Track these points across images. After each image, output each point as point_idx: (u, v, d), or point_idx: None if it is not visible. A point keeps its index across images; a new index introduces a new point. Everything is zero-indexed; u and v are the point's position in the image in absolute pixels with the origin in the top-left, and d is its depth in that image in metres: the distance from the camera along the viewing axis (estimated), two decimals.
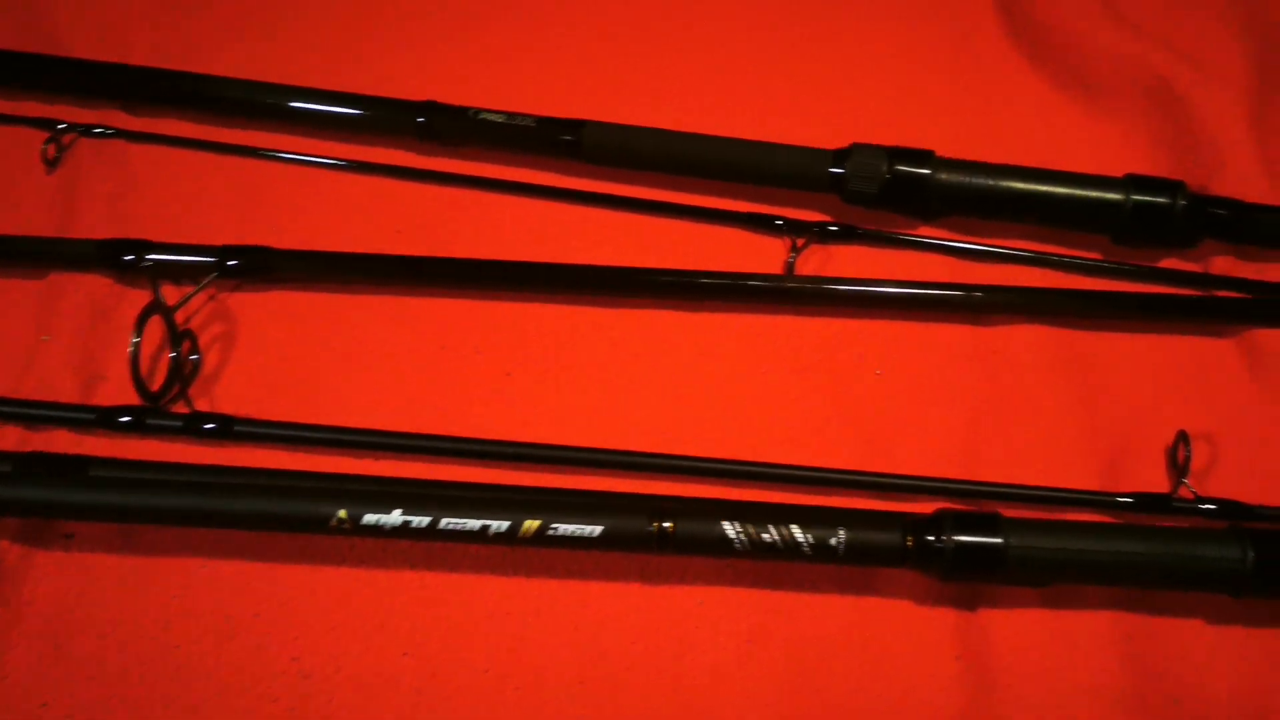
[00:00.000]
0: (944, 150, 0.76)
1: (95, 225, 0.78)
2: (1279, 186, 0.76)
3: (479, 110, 0.80)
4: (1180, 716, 0.62)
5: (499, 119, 0.79)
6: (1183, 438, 0.67)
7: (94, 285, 0.75)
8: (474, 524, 0.63)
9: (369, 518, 0.63)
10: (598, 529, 0.62)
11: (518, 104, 0.81)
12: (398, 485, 0.67)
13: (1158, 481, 0.68)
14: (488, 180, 0.80)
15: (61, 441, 0.70)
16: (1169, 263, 0.76)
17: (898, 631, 0.65)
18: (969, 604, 0.65)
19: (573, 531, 0.63)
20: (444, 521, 0.63)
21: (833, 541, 0.61)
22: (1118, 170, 0.75)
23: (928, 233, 0.78)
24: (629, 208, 0.79)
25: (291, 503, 0.63)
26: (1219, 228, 0.74)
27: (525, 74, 0.86)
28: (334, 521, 0.63)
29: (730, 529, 0.62)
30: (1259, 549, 0.60)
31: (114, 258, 0.75)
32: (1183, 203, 0.73)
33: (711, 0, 0.90)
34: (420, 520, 0.62)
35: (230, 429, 0.69)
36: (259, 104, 0.82)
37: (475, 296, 0.76)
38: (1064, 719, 0.62)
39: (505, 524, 0.62)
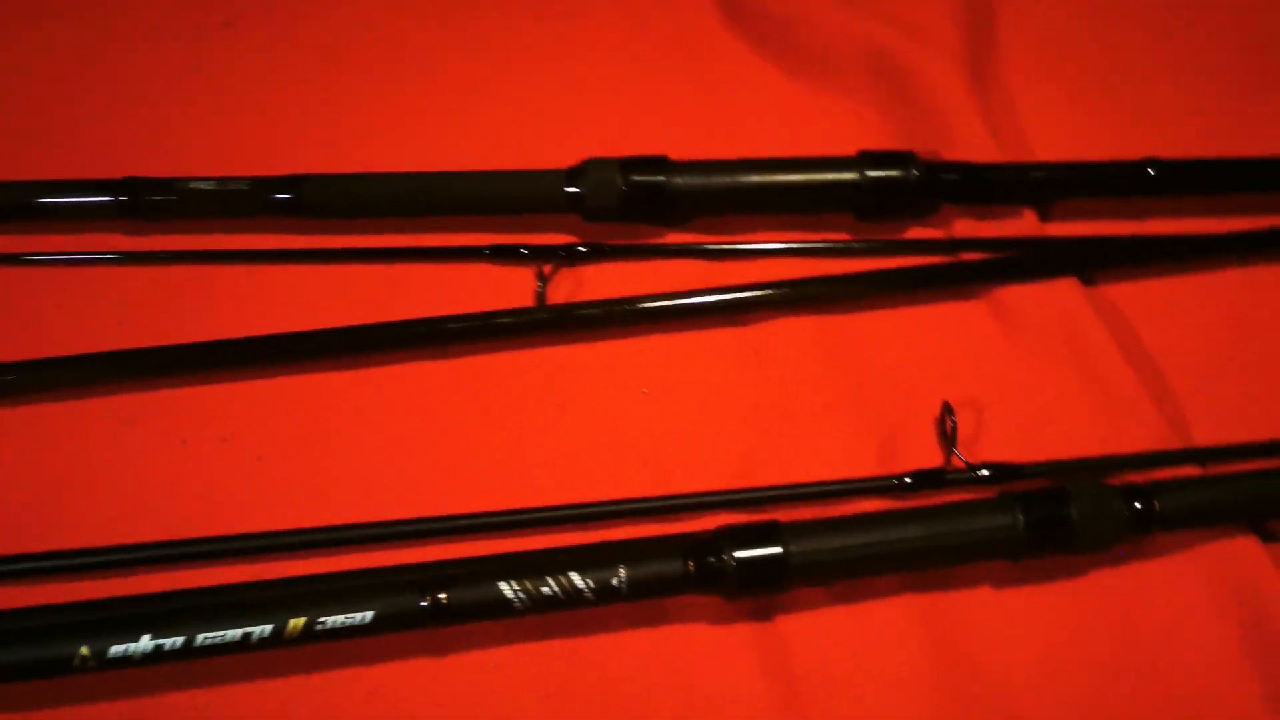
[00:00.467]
0: (684, 152, 0.75)
1: None
2: (1004, 144, 0.78)
3: (186, 180, 0.74)
4: (983, 689, 0.62)
5: (209, 186, 0.74)
6: (947, 409, 0.67)
7: None
8: (234, 634, 0.58)
9: (116, 649, 0.57)
10: (368, 614, 0.59)
11: (230, 168, 0.76)
12: (146, 604, 0.61)
13: (933, 456, 0.68)
14: (207, 253, 0.74)
15: None
16: (913, 232, 0.77)
17: (699, 657, 0.63)
18: (763, 614, 0.63)
19: (342, 622, 0.59)
20: (201, 638, 0.58)
21: (614, 582, 0.59)
22: (856, 148, 0.75)
23: (677, 239, 0.77)
24: (363, 259, 0.75)
25: (24, 648, 0.57)
26: (954, 192, 0.75)
27: (233, 137, 0.80)
28: (77, 661, 0.57)
29: (508, 589, 0.59)
30: (1028, 512, 0.60)
31: None
32: (916, 172, 0.73)
33: (421, 33, 0.86)
34: (174, 641, 0.57)
35: None
36: None
37: (213, 381, 0.71)
38: (874, 712, 0.61)
39: (268, 628, 0.58)
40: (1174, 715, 0.61)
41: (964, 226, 0.76)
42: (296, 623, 0.58)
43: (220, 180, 0.74)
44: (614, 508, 0.66)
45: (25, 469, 0.68)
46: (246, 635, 0.58)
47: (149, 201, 0.74)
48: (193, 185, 0.74)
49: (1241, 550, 0.64)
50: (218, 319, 0.73)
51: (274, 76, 0.84)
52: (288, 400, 0.70)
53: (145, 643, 0.57)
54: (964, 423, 0.68)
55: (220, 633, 0.58)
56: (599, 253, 0.75)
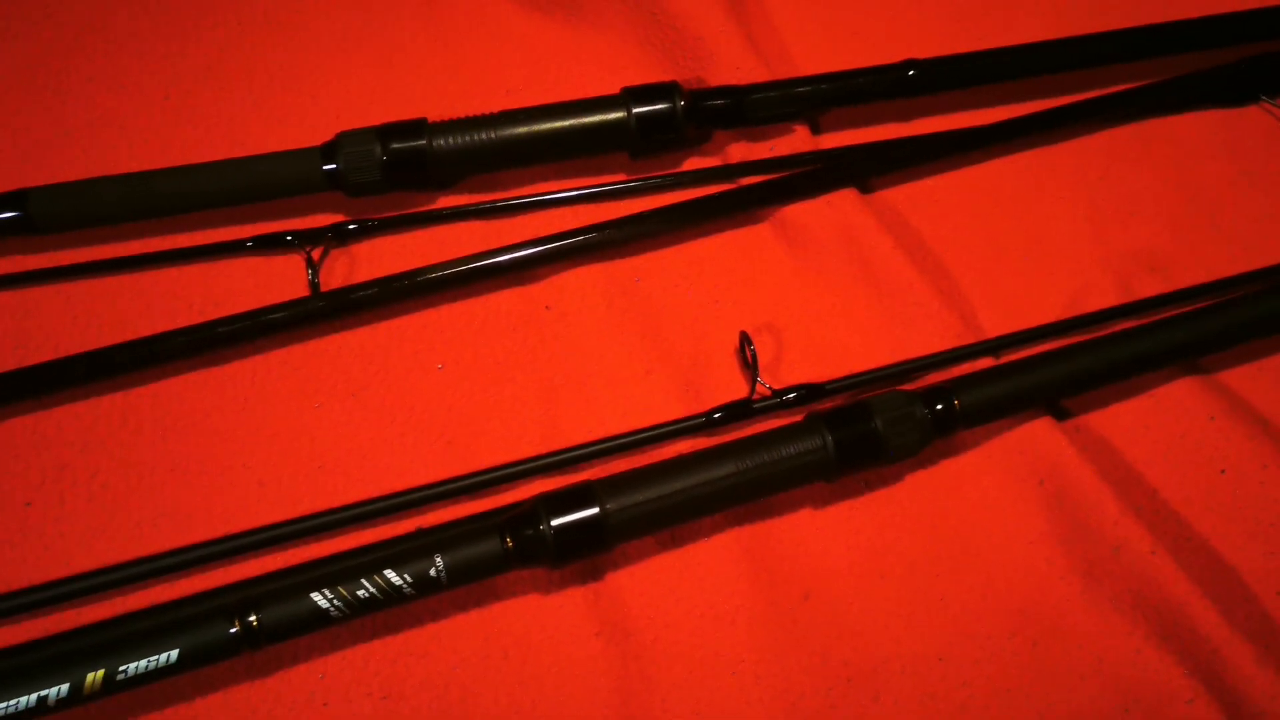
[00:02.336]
0: (448, 112, 0.71)
1: None
2: (767, 62, 0.77)
3: None
4: (814, 608, 0.62)
5: None
6: (745, 338, 0.67)
7: None
8: (27, 700, 0.53)
9: None
10: (174, 652, 0.55)
11: None
12: None
13: (739, 388, 0.68)
14: None
15: None
16: (690, 164, 0.75)
17: (533, 629, 0.61)
18: (593, 574, 0.62)
19: (147, 666, 0.54)
20: None
21: (433, 572, 0.57)
22: (618, 83, 0.73)
23: (450, 202, 0.73)
24: (109, 270, 0.69)
25: None
26: (724, 117, 0.74)
27: None
28: None
29: (321, 599, 0.56)
30: (835, 431, 0.61)
31: None
32: (682, 103, 0.71)
33: (143, 18, 0.79)
34: None
35: None
36: None
37: None
38: (710, 653, 0.61)
39: (64, 686, 0.53)
40: (994, 596, 0.63)
41: (739, 150, 0.75)
42: (95, 675, 0.54)
43: None
44: (423, 493, 0.63)
45: None
46: (42, 699, 0.53)
47: None
48: None
49: (1040, 432, 0.66)
50: None
51: None
52: (60, 436, 0.65)
53: None
54: (763, 349, 0.68)
55: (12, 701, 0.53)
56: (368, 229, 0.71)
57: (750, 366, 0.66)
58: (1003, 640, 0.61)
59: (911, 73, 0.75)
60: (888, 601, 0.63)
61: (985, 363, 0.67)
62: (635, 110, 0.71)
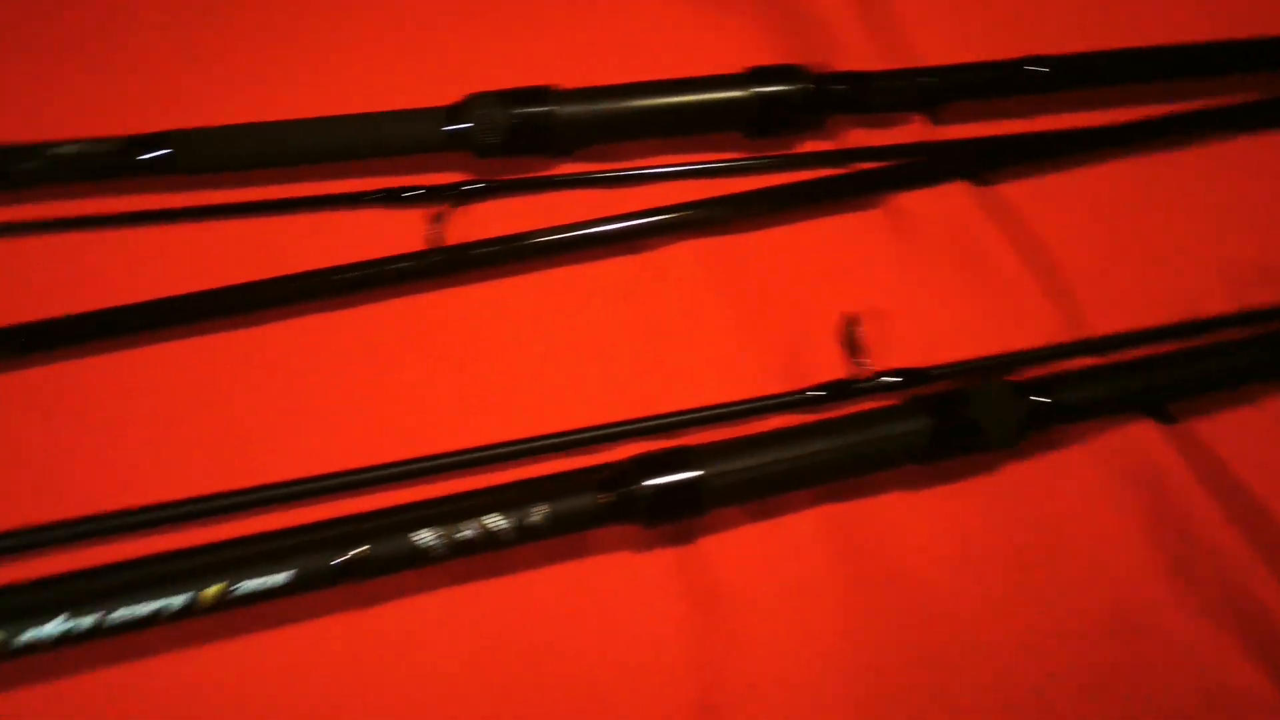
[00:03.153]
0: (572, 80, 0.73)
1: None
2: (886, 51, 0.77)
3: (50, 144, 0.70)
4: (900, 590, 0.63)
5: (73, 150, 0.70)
6: (851, 319, 0.67)
7: None
8: (146, 609, 0.56)
9: (24, 637, 0.55)
10: (284, 575, 0.57)
11: (101, 128, 0.72)
12: (51, 586, 0.59)
13: (840, 369, 0.69)
14: (77, 220, 0.71)
15: None
16: (807, 146, 0.76)
17: (621, 587, 0.63)
18: (683, 538, 0.64)
19: (259, 585, 0.57)
20: (112, 617, 0.56)
21: (532, 519, 0.59)
22: (742, 65, 0.74)
23: (570, 169, 0.75)
24: (245, 214, 0.72)
25: None
26: (843, 103, 0.75)
27: (98, 94, 0.76)
28: None
29: (425, 537, 0.58)
30: (933, 415, 0.61)
31: None
32: (805, 86, 0.72)
33: None
34: (81, 623, 0.56)
35: None
36: None
37: (97, 353, 0.68)
38: (794, 625, 0.62)
39: (181, 599, 0.56)
40: (1083, 592, 0.63)
41: (856, 137, 0.76)
42: (210, 591, 0.57)
43: (87, 142, 0.71)
44: (525, 446, 0.65)
45: None
46: (160, 609, 0.56)
47: (14, 170, 0.70)
48: (57, 150, 0.70)
49: (1141, 435, 0.65)
50: (91, 288, 0.69)
51: (134, 30, 0.80)
52: (181, 365, 0.68)
53: (54, 627, 0.55)
54: (867, 332, 0.69)
55: (132, 609, 0.56)
56: (490, 190, 0.73)
57: (853, 348, 0.67)
58: (1089, 636, 0.61)
59: (1034, 69, 0.75)
60: (974, 588, 0.63)
61: (1089, 362, 0.67)
62: (759, 90, 0.72)
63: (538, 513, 0.59)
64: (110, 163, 0.71)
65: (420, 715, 0.60)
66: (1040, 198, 0.75)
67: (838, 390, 0.66)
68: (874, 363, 0.68)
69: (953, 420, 0.61)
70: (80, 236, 0.71)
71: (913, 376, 0.67)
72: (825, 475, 0.62)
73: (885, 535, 0.64)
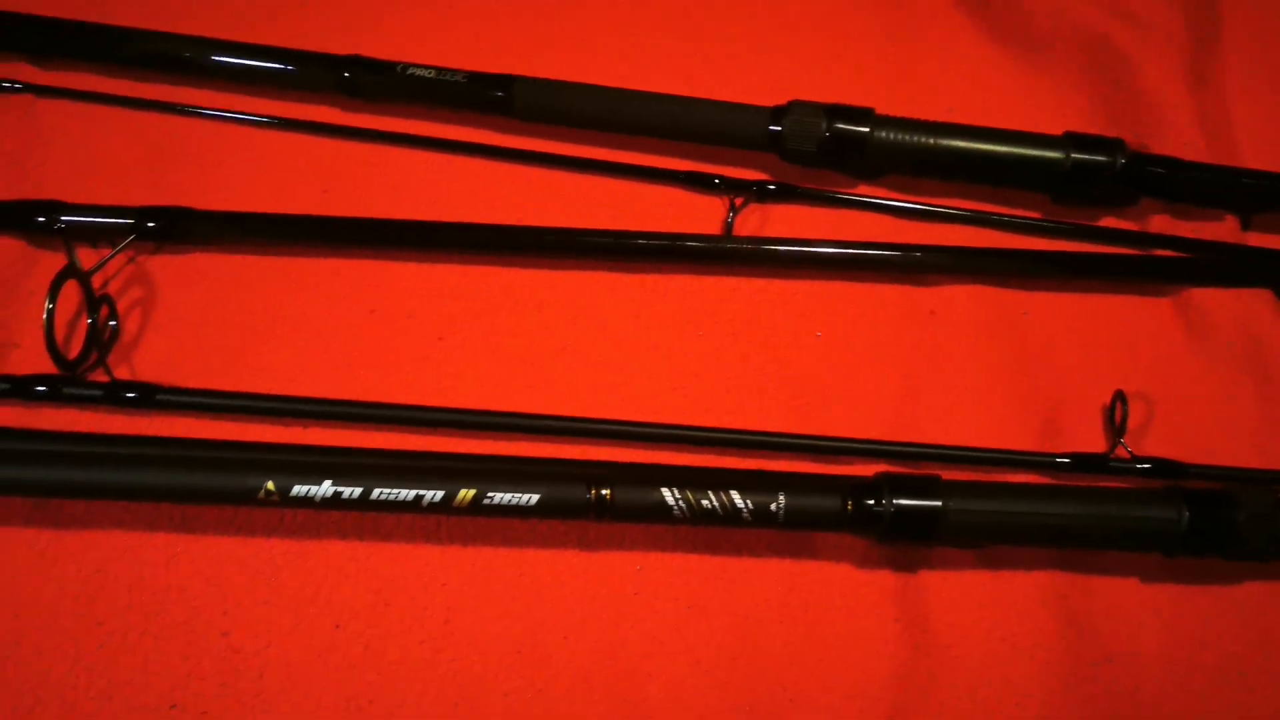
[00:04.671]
0: (881, 107, 0.75)
1: (1, 185, 0.75)
2: (1215, 146, 0.76)
3: (407, 65, 0.77)
4: (1112, 674, 0.62)
5: (428, 74, 0.76)
6: (1120, 397, 0.67)
7: (3, 248, 0.72)
8: (407, 494, 0.61)
9: (298, 489, 0.61)
10: (534, 497, 0.61)
11: (447, 59, 0.78)
12: (327, 455, 0.65)
13: (1094, 442, 0.68)
14: (416, 138, 0.77)
15: None
16: (1108, 221, 0.76)
17: (837, 595, 0.64)
18: (908, 566, 0.65)
19: (509, 500, 0.61)
20: (376, 492, 0.61)
21: (773, 507, 0.61)
22: (1055, 128, 0.74)
23: (867, 191, 0.77)
24: (563, 166, 0.76)
25: (217, 475, 0.61)
26: (1157, 186, 0.74)
27: (455, 28, 0.83)
28: (262, 494, 0.61)
29: (669, 496, 0.61)
30: (1193, 509, 0.60)
31: (24, 220, 0.71)
32: (1122, 161, 0.72)
33: None
34: (351, 491, 0.61)
35: (152, 397, 0.66)
36: (176, 57, 0.79)
37: (405, 259, 0.73)
38: (999, 679, 0.62)
39: (440, 493, 0.61)
40: None
41: (1160, 222, 0.75)
42: (466, 493, 0.61)
43: (438, 70, 0.77)
44: (772, 439, 0.67)
45: (219, 314, 0.72)
46: (419, 497, 0.61)
47: (368, 81, 0.77)
48: (412, 71, 0.76)
49: None
50: (414, 201, 0.76)
51: None
52: (472, 288, 0.73)
53: (326, 488, 0.61)
54: (1133, 415, 0.68)
55: (395, 490, 0.61)
56: (789, 193, 0.75)
57: (1116, 426, 0.67)
58: None
59: None
60: (1190, 694, 0.62)
61: None
62: (1074, 155, 0.72)
63: (781, 501, 0.61)
64: (454, 92, 0.77)
65: (622, 662, 0.63)
66: None
67: (1088, 462, 0.66)
68: (1133, 446, 0.67)
69: (1213, 519, 0.60)
70: (413, 153, 0.77)
71: (1168, 468, 0.66)
72: (1067, 540, 0.62)
73: (1109, 617, 0.64)
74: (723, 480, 0.62)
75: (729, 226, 0.74)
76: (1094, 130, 0.75)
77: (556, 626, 0.63)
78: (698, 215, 0.76)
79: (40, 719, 0.60)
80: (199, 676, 0.61)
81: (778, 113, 0.74)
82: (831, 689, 0.62)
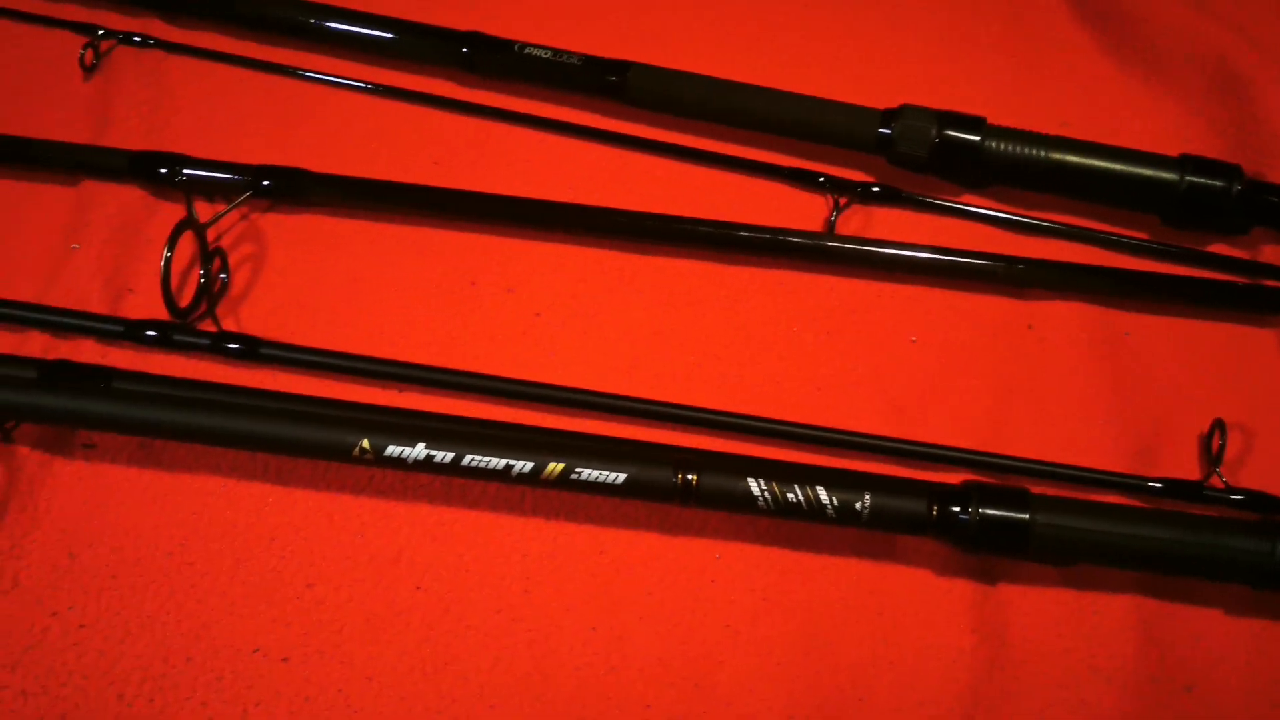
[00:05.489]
0: (993, 118, 0.75)
1: (129, 135, 0.78)
2: None
3: (524, 45, 0.78)
4: (1192, 705, 0.61)
5: (544, 55, 0.78)
6: (1219, 426, 0.66)
7: (126, 196, 0.75)
8: (498, 463, 0.62)
9: (392, 449, 0.62)
10: (621, 476, 0.62)
11: (564, 41, 0.79)
12: (421, 419, 0.66)
13: (1189, 468, 0.67)
14: (529, 117, 0.79)
15: (87, 351, 0.69)
16: (1217, 247, 0.75)
17: (915, 600, 0.64)
18: (989, 578, 0.64)
19: (596, 477, 0.62)
20: (468, 458, 0.62)
21: (858, 506, 0.61)
22: (1170, 150, 0.73)
23: (973, 201, 0.77)
24: (670, 154, 0.77)
25: (315, 430, 0.63)
26: (1272, 216, 0.72)
27: (573, 11, 0.84)
28: (356, 451, 0.62)
29: (755, 486, 0.61)
30: None
31: (148, 170, 0.74)
32: (1238, 187, 0.71)
33: None
34: (444, 455, 0.62)
35: (256, 350, 0.69)
36: (301, 23, 0.81)
37: (510, 234, 0.75)
38: (1075, 700, 0.61)
39: (529, 464, 0.62)
40: None
41: (1271, 253, 0.74)
42: (555, 466, 0.62)
43: (554, 51, 0.78)
44: (859, 439, 0.67)
45: (326, 274, 0.74)
46: (508, 467, 0.62)
47: (486, 58, 0.78)
48: (530, 51, 0.78)
49: None
50: (523, 178, 0.77)
51: None
52: (573, 267, 0.74)
53: (419, 450, 0.62)
54: (1231, 445, 0.67)
55: (486, 458, 0.62)
56: (893, 197, 0.75)
57: (1213, 455, 0.66)
58: None
59: None
60: None
61: None
62: (1189, 178, 0.71)
63: (866, 501, 0.61)
64: (568, 74, 0.78)
65: (695, 648, 0.63)
66: None
67: (1181, 489, 0.65)
68: (1229, 477, 0.66)
69: None
70: (524, 131, 0.79)
71: (1262, 501, 0.65)
72: (1154, 564, 0.61)
73: (1193, 644, 0.63)
74: (810, 475, 0.62)
75: (831, 225, 0.74)
76: (1209, 154, 0.74)
77: (632, 607, 0.64)
78: (800, 212, 0.76)
79: (130, 649, 0.62)
80: (282, 623, 0.63)
81: (888, 115, 0.74)
82: (902, 695, 0.62)
